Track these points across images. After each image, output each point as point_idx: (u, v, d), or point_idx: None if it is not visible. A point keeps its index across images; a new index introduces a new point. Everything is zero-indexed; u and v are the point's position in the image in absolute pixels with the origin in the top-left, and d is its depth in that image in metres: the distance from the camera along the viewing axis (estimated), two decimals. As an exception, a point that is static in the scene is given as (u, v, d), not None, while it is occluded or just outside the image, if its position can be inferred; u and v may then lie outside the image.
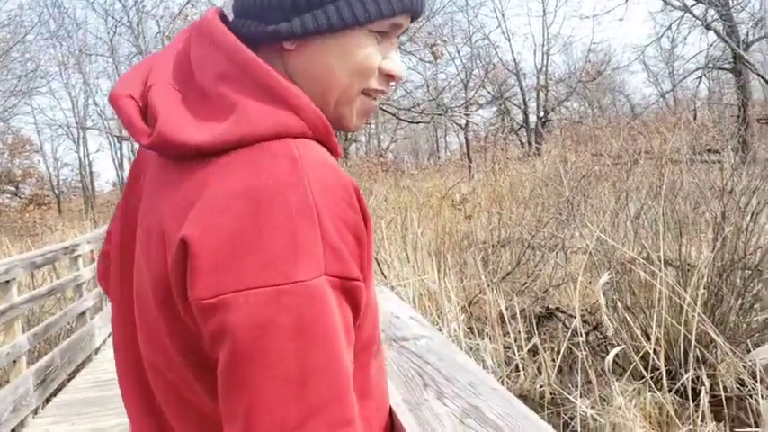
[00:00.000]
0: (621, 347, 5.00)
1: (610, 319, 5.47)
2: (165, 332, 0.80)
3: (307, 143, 0.79)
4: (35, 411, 5.06)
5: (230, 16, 0.92)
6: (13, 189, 32.34)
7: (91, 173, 33.70)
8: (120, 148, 31.29)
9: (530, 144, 26.02)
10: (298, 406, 0.70)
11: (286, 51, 0.86)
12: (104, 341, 7.05)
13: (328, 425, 0.71)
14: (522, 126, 30.77)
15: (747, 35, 20.75)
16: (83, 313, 6.69)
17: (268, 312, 0.69)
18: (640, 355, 5.28)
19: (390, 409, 1.05)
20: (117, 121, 30.82)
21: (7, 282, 4.99)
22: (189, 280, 0.72)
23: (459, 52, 28.97)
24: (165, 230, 0.77)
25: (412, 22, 0.91)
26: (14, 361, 4.91)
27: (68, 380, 5.97)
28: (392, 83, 0.93)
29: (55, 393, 5.57)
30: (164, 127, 0.78)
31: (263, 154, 0.75)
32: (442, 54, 16.68)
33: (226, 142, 0.76)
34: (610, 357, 4.35)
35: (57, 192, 33.72)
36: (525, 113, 30.60)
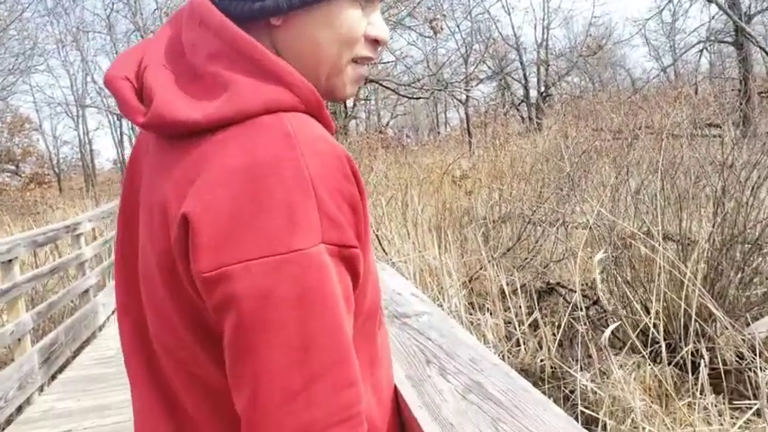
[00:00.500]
0: (618, 323, 5.03)
1: (603, 293, 5.49)
2: (173, 310, 0.82)
3: (299, 117, 0.80)
4: (41, 389, 5.12)
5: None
6: (14, 168, 32.32)
7: (91, 151, 33.73)
8: (120, 126, 31.24)
9: (530, 119, 25.96)
10: (300, 372, 0.72)
11: (273, 28, 0.87)
12: (108, 318, 7.10)
13: (331, 388, 0.73)
14: (522, 101, 30.68)
15: (750, 7, 20.61)
16: (86, 291, 6.73)
17: (269, 281, 0.71)
18: (639, 328, 5.32)
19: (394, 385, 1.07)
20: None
21: (9, 261, 5.01)
22: (191, 255, 0.74)
23: (459, 27, 28.85)
24: (167, 208, 0.78)
25: None
26: (19, 339, 4.95)
27: (73, 357, 6.02)
28: (379, 48, 0.94)
29: (60, 371, 5.62)
30: (159, 106, 0.79)
31: (257, 129, 0.77)
32: (441, 29, 16.56)
33: (220, 119, 0.77)
34: (607, 333, 4.38)
35: (57, 170, 33.71)
36: (526, 88, 30.50)
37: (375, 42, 0.92)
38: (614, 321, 5.96)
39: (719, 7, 18.33)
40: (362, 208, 0.81)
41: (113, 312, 7.41)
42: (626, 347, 5.11)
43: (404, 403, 1.01)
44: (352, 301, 0.80)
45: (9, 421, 4.62)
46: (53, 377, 5.46)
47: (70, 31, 31.15)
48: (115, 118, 31.08)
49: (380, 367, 0.97)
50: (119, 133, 31.91)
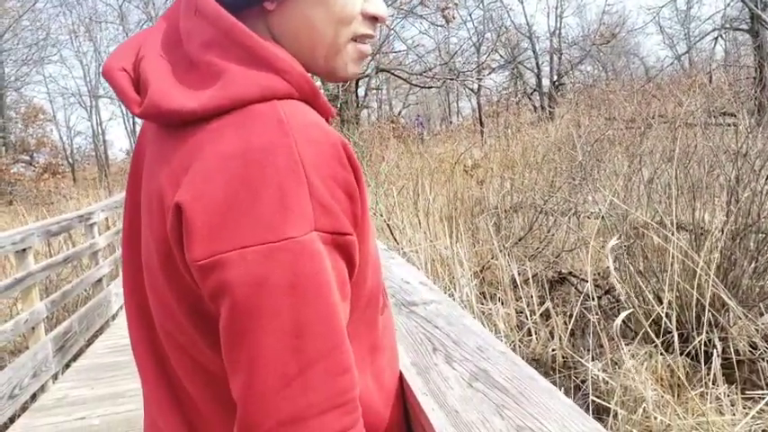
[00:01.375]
0: (630, 311, 5.01)
1: (619, 282, 5.47)
2: (171, 295, 0.83)
3: (293, 104, 0.80)
4: (55, 377, 5.17)
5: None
6: (28, 158, 32.47)
7: (104, 141, 33.82)
8: (133, 117, 31.27)
9: (543, 108, 25.82)
10: (295, 358, 0.73)
11: (268, 12, 0.87)
12: (121, 307, 7.14)
13: (326, 374, 0.74)
14: (535, 90, 30.48)
15: (766, -6, 20.33)
16: (99, 280, 6.78)
17: (262, 269, 0.72)
18: (651, 318, 5.29)
19: (400, 371, 1.07)
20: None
21: (24, 250, 5.05)
22: (186, 243, 0.75)
23: (471, 15, 28.62)
24: (163, 196, 0.79)
25: None
26: (33, 327, 5.00)
27: (86, 346, 6.07)
28: (378, 24, 0.93)
29: (74, 359, 5.68)
30: (154, 95, 0.80)
31: (250, 117, 0.77)
32: (453, 17, 16.50)
33: (216, 107, 0.78)
34: (618, 321, 4.37)
35: (71, 160, 33.87)
36: (538, 77, 30.29)
37: (374, 19, 0.92)
38: (626, 311, 5.94)
39: (735, -6, 18.11)
40: (360, 194, 0.81)
41: (126, 301, 7.45)
42: (638, 337, 5.09)
43: (409, 390, 1.02)
44: (348, 289, 0.80)
45: (24, 408, 4.67)
46: (67, 365, 5.51)
47: (83, 22, 31.26)
48: (128, 108, 31.19)
49: (382, 354, 0.98)
50: (131, 123, 32.03)
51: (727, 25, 22.28)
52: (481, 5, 28.19)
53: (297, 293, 0.73)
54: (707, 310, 4.94)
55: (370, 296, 0.92)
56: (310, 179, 0.74)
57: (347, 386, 0.76)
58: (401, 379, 1.07)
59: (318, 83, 0.89)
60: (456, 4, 17.54)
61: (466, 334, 1.23)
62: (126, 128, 32.39)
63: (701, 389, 4.49)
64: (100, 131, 33.62)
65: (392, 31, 18.63)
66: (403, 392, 1.05)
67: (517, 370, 1.01)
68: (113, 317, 6.90)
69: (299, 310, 0.73)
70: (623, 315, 4.52)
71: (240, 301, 0.73)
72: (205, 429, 0.89)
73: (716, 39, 23.98)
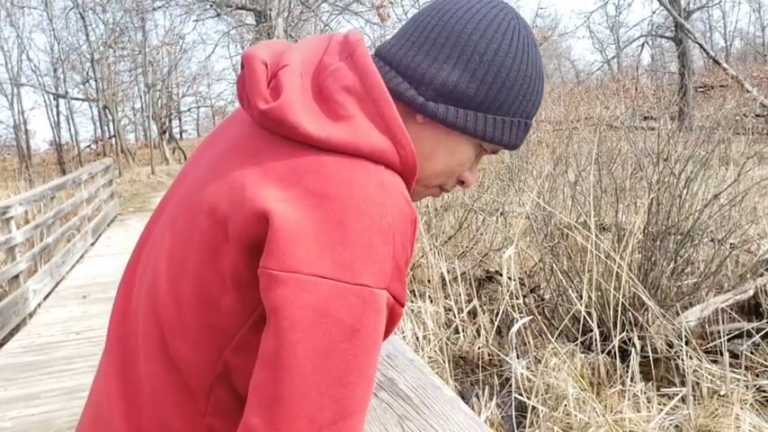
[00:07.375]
0: (530, 318, 5.12)
1: (502, 285, 5.57)
2: (190, 273, 0.86)
3: (395, 175, 0.87)
4: (-35, 377, 4.95)
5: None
6: (-56, 147, 31.03)
7: (26, 131, 32.50)
8: (57, 106, 30.26)
9: (476, 108, 26.14)
10: (332, 407, 0.75)
11: (413, 118, 0.94)
12: (39, 305, 6.90)
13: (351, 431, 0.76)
14: (468, 90, 30.87)
15: (689, 4, 21.14)
16: (16, 276, 6.52)
17: (332, 303, 0.75)
18: (571, 314, 5.43)
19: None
20: (53, 78, 29.69)
21: (-67, 245, 4.82)
22: (268, 247, 0.78)
23: (406, 15, 28.77)
24: (244, 191, 0.82)
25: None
26: (-58, 326, 4.78)
27: (0, 345, 5.83)
28: (460, 187, 1.05)
29: (-14, 359, 5.45)
30: (285, 104, 0.84)
31: (360, 169, 0.83)
32: (388, 16, 16.54)
33: (335, 143, 0.83)
34: (513, 331, 4.48)
35: (-10, 150, 32.50)
36: (472, 77, 30.68)
37: (461, 182, 1.03)
38: (551, 309, 6.08)
39: (660, 2, 18.74)
40: (406, 269, 0.86)
41: (45, 298, 7.21)
42: (556, 335, 5.21)
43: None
44: None
45: (-70, 411, 4.46)
46: (-22, 366, 5.29)
47: (4, 6, 29.98)
48: (51, 98, 30.09)
49: None
50: (55, 114, 30.92)
51: (654, 32, 23.04)
52: (417, 5, 28.37)
53: (357, 341, 0.76)
54: (626, 310, 5.09)
55: None
56: (395, 243, 0.80)
57: None
58: None
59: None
60: (391, 3, 17.60)
61: (377, 340, 1.22)
62: (49, 118, 31.25)
63: (620, 386, 4.62)
64: (21, 121, 32.34)
65: (327, 27, 18.55)
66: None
67: (423, 378, 1.01)
68: (30, 315, 6.64)
69: (354, 358, 0.76)
70: (519, 324, 4.64)
71: (301, 327, 0.74)
72: (145, 408, 0.89)
73: (642, 45, 24.75)
